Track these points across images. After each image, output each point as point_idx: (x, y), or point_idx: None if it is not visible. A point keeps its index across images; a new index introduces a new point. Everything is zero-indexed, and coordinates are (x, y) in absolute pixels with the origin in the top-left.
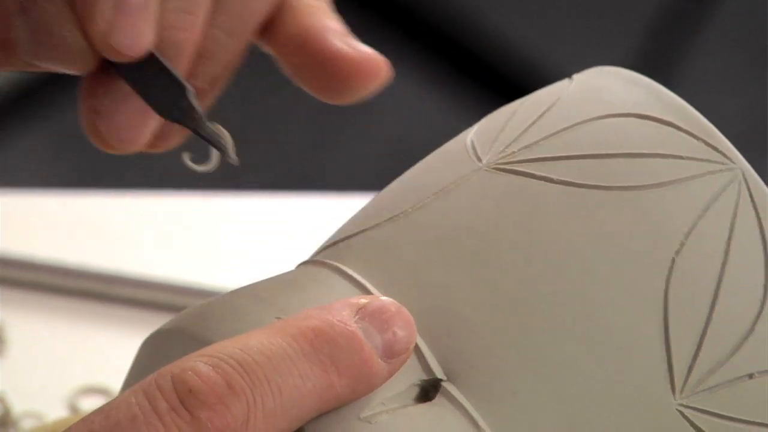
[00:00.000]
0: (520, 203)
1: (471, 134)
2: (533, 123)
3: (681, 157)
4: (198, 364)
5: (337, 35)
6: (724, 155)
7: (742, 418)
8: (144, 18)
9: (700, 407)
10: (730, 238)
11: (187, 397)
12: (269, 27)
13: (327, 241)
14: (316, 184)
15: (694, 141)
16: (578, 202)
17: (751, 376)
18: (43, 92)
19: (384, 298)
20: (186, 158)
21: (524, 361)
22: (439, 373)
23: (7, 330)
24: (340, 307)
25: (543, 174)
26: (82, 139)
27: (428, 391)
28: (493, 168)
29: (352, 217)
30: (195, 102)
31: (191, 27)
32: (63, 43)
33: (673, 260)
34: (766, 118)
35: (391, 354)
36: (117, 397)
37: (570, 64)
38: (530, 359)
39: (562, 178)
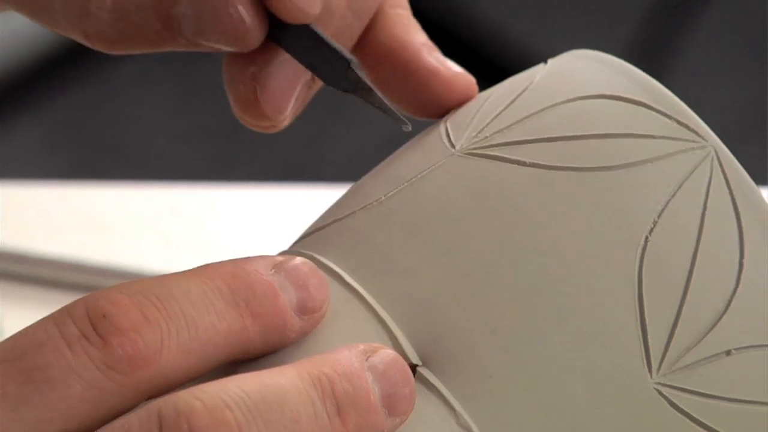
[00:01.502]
0: (491, 187)
1: (446, 121)
2: (506, 108)
3: (652, 137)
4: (113, 293)
5: (430, 51)
6: (696, 133)
7: (721, 395)
8: None
9: (677, 385)
10: (703, 216)
11: (100, 323)
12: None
13: (304, 232)
14: (313, 175)
15: (666, 120)
16: (550, 184)
17: (728, 352)
18: (38, 85)
19: (299, 258)
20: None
21: (498, 344)
22: (414, 359)
23: (4, 324)
24: (256, 259)
25: (514, 157)
26: (76, 132)
27: None
28: (466, 153)
29: (329, 208)
30: (362, 73)
31: (340, 2)
32: (230, 19)
33: (647, 239)
34: (764, 109)
35: (305, 310)
36: (28, 326)
37: None
38: (504, 342)
39: (534, 161)
